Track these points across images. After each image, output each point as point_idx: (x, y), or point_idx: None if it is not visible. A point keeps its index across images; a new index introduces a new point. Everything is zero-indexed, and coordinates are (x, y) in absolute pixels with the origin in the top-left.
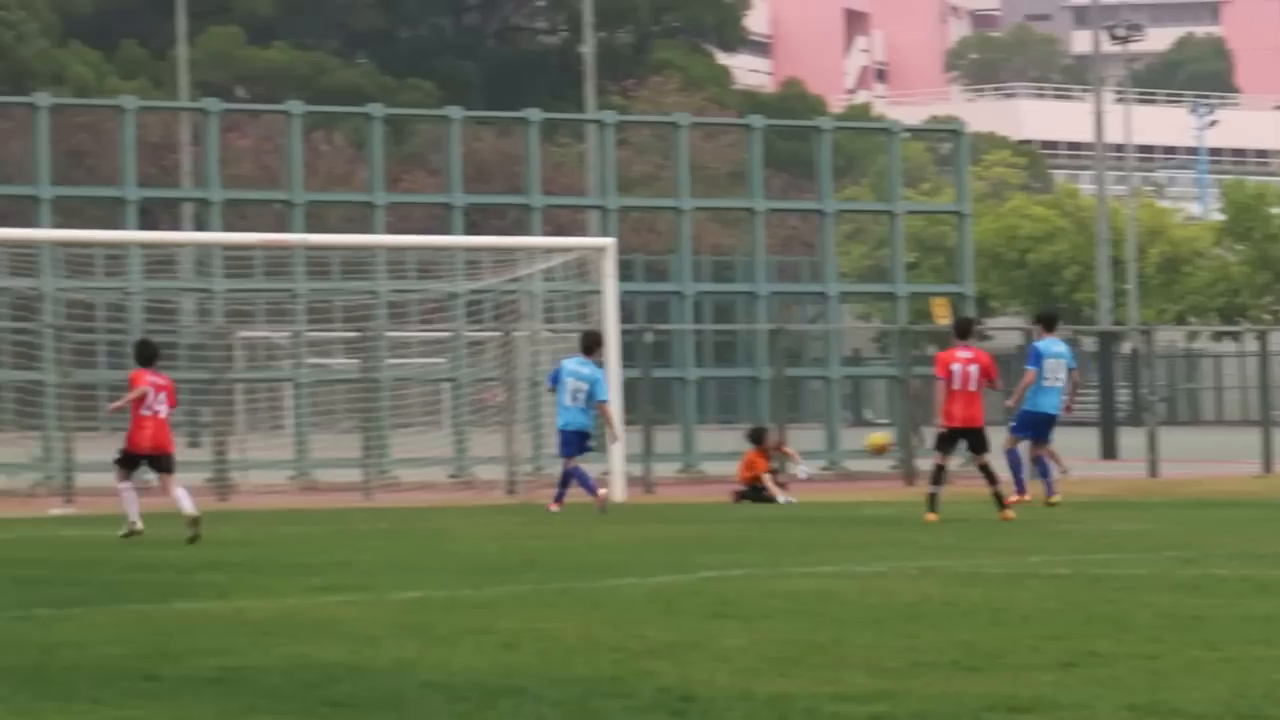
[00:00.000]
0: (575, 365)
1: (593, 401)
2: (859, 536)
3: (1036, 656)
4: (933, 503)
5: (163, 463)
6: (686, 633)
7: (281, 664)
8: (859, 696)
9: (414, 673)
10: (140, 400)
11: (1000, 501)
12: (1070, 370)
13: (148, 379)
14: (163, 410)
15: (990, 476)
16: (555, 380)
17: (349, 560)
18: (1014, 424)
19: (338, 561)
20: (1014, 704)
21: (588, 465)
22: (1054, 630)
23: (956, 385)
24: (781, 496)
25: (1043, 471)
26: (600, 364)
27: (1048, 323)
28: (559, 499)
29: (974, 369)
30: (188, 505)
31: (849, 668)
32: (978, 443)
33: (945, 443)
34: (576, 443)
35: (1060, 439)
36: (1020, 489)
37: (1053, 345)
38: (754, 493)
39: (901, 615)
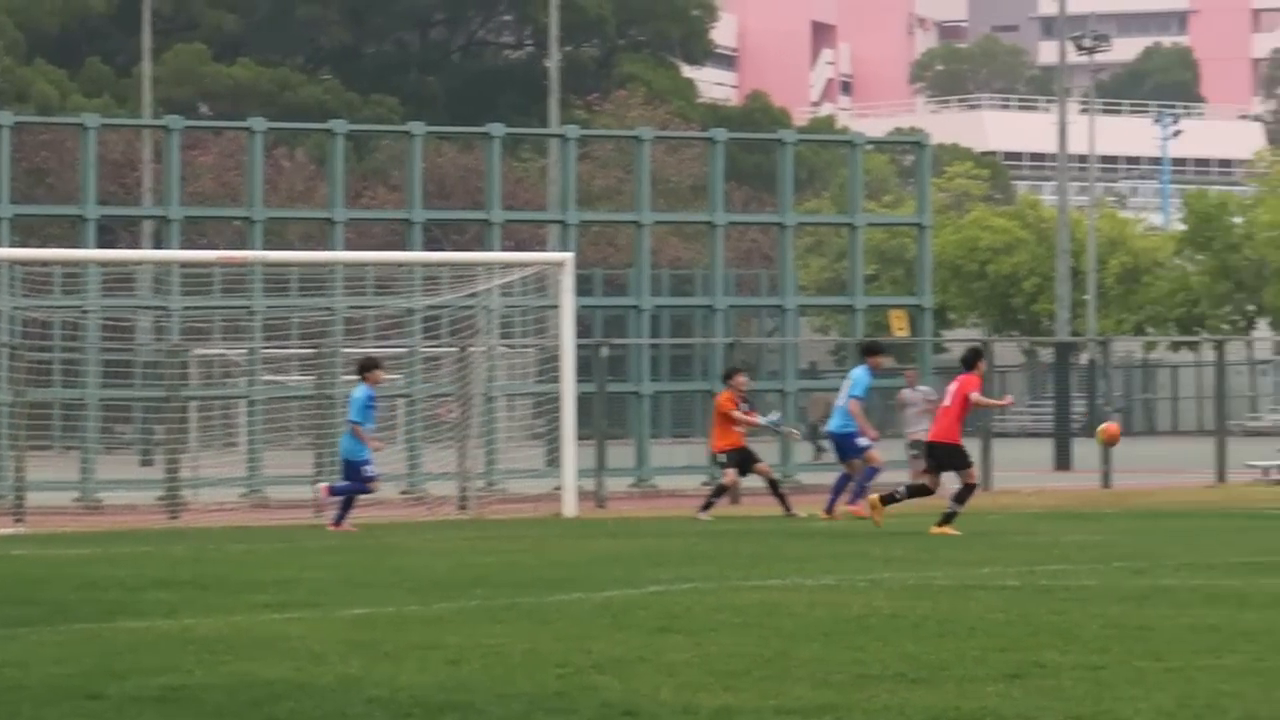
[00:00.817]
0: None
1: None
2: (808, 550)
3: (982, 668)
4: (887, 501)
5: None
6: (632, 647)
7: (226, 682)
8: (803, 710)
9: (358, 689)
10: None
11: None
12: (852, 398)
13: None
14: None
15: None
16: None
17: (297, 577)
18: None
19: (286, 579)
20: (958, 716)
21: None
22: (1000, 642)
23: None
24: (764, 419)
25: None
26: (371, 385)
27: (864, 350)
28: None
29: (952, 387)
30: None
31: (794, 681)
32: (945, 461)
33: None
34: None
35: (1014, 450)
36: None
37: (854, 371)
38: (740, 459)
39: (848, 628)
